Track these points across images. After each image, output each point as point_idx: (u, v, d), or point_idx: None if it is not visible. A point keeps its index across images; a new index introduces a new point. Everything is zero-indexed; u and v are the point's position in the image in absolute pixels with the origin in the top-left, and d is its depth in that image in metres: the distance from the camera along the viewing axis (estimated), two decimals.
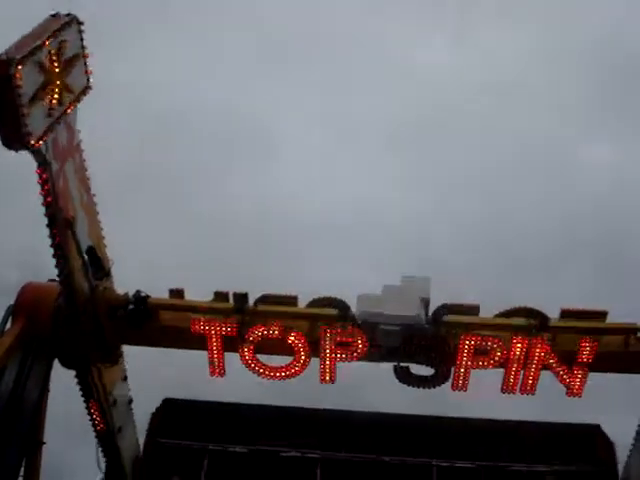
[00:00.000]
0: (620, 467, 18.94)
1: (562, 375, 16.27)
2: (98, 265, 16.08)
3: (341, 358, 16.37)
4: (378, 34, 46.14)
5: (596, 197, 41.48)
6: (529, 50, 46.54)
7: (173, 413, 20.04)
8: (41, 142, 12.82)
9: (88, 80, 14.27)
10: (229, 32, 45.74)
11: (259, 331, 16.25)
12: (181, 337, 16.89)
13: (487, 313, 16.47)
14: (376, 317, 15.74)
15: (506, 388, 16.62)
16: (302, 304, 16.54)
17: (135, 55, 43.63)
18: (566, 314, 16.18)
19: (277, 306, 16.45)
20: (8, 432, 15.81)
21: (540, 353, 16.21)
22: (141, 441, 19.83)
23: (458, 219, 42.65)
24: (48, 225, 14.34)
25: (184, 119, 44.69)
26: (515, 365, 16.28)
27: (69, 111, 13.81)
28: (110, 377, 17.66)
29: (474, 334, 16.04)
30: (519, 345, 16.09)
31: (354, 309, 16.18)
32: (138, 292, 16.63)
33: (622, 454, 18.85)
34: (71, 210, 14.73)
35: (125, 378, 18.64)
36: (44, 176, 13.63)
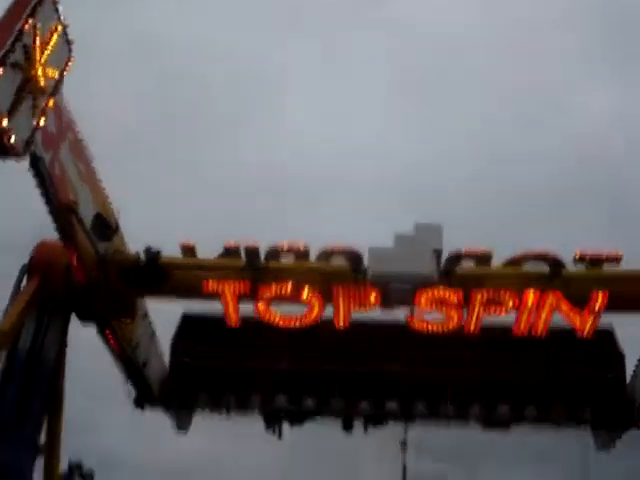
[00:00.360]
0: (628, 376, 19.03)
1: (572, 319, 16.48)
2: (106, 225, 16.00)
3: (355, 310, 16.63)
4: None
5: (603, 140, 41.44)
6: None
7: (192, 329, 19.98)
8: (28, 149, 12.59)
9: (70, 50, 13.68)
10: None
11: (272, 289, 16.36)
12: (195, 294, 17.00)
13: (500, 259, 16.34)
14: (388, 276, 15.58)
15: (517, 331, 16.88)
16: (313, 255, 16.36)
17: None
18: (580, 259, 16.06)
19: (289, 262, 16.34)
20: (29, 389, 16.03)
21: (552, 302, 16.28)
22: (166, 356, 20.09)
23: (468, 166, 42.49)
24: (50, 214, 14.38)
25: (190, 70, 44.58)
26: (527, 313, 16.50)
27: (51, 103, 13.25)
28: (129, 327, 17.76)
29: (486, 289, 16.15)
30: (532, 296, 16.21)
31: (366, 260, 15.99)
32: (149, 250, 16.39)
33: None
34: (71, 193, 14.58)
35: (146, 315, 18.78)
36: (38, 171, 13.49)
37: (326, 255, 16.26)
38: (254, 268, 16.16)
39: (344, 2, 48.14)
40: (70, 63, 13.69)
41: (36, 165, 13.31)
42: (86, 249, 15.47)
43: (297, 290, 16.37)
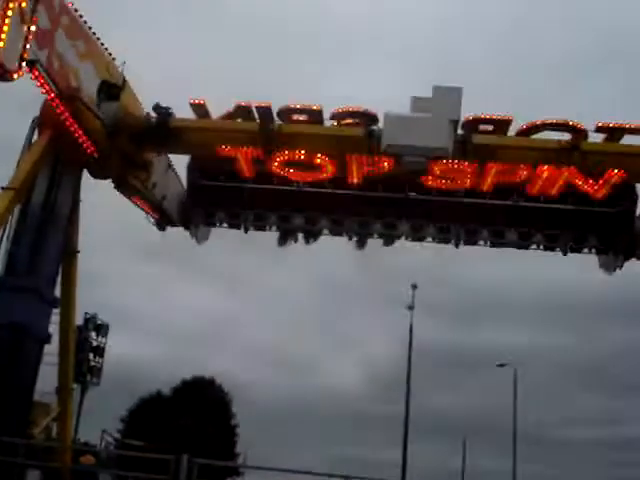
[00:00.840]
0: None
1: (586, 189, 16.59)
2: (112, 86, 15.73)
3: (368, 173, 16.79)
4: None
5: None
6: None
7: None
8: (22, 66, 12.41)
9: None
10: None
11: (285, 155, 16.38)
12: (209, 154, 17.05)
13: (519, 125, 16.04)
14: (402, 147, 15.22)
15: (531, 192, 17.27)
16: (327, 114, 16.08)
17: None
18: (601, 129, 15.74)
19: (302, 126, 16.04)
20: (43, 244, 16.16)
21: (566, 176, 16.17)
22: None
23: (487, 26, 41.27)
24: (56, 101, 14.32)
25: None
26: (540, 181, 16.64)
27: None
28: (143, 174, 17.64)
29: (501, 162, 16.15)
30: (546, 171, 16.23)
31: (381, 125, 15.61)
32: (159, 108, 16.13)
33: None
34: (72, 78, 14.37)
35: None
36: (37, 72, 13.32)
37: (340, 117, 15.97)
38: (267, 132, 15.87)
39: None
40: None
41: (33, 68, 13.16)
42: (95, 127, 15.37)
43: (310, 156, 16.34)
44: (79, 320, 19.66)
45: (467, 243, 19.05)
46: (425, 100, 14.92)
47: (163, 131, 16.02)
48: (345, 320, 50.74)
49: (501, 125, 15.79)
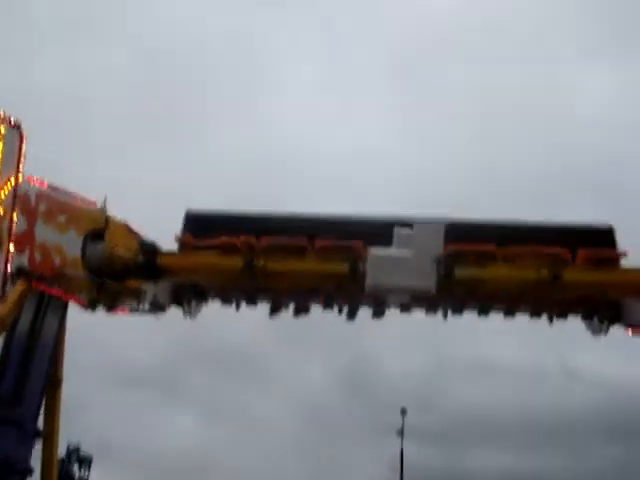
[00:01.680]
0: None
1: None
2: (97, 231, 16.43)
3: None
4: None
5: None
6: None
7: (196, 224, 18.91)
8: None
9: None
10: None
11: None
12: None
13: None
14: (386, 289, 15.63)
15: None
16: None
17: None
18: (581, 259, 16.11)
19: (286, 263, 16.29)
20: (27, 373, 16.09)
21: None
22: None
23: (459, 164, 42.88)
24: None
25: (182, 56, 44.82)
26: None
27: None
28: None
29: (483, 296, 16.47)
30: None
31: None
32: (144, 245, 16.57)
33: None
34: (57, 258, 15.68)
35: None
36: None
37: (325, 251, 16.23)
38: (251, 269, 16.14)
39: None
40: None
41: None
42: (81, 285, 16.12)
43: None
44: (61, 451, 19.26)
45: (455, 313, 18.39)
46: (408, 235, 15.26)
47: (149, 269, 16.30)
48: (331, 447, 49.75)
49: (484, 256, 16.12)
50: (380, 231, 16.91)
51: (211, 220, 18.23)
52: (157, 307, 17.94)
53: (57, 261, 15.40)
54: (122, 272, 16.36)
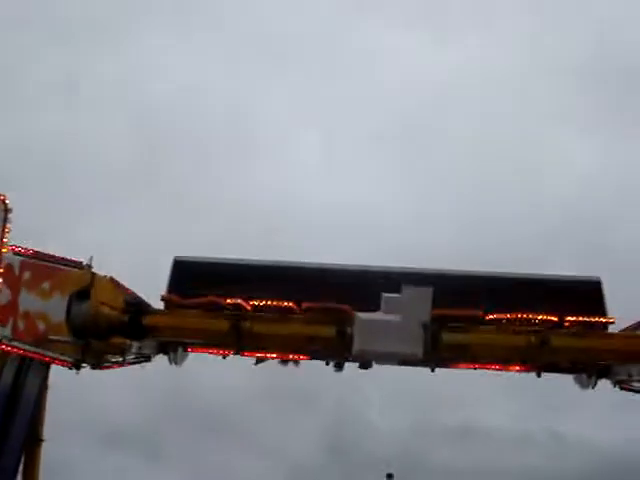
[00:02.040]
0: None
1: None
2: (81, 291, 16.36)
3: None
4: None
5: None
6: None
7: (183, 273, 18.83)
8: None
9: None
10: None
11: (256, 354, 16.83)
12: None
13: None
14: (373, 355, 15.84)
15: None
16: None
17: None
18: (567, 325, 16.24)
19: (272, 326, 16.35)
20: (7, 428, 15.94)
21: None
22: None
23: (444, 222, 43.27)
24: None
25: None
26: None
27: None
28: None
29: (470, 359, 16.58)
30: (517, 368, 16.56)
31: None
32: (129, 305, 16.59)
33: None
34: (41, 324, 15.61)
35: None
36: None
37: (313, 312, 16.27)
38: (237, 332, 16.19)
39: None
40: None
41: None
42: (65, 349, 16.03)
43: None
44: None
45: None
46: (396, 300, 15.30)
47: (135, 328, 16.30)
48: None
49: (470, 319, 16.22)
50: (369, 282, 17.13)
51: (199, 267, 18.31)
52: (143, 358, 17.98)
53: (41, 327, 15.40)
54: (107, 331, 16.28)
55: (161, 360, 17.85)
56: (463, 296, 17.66)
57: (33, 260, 15.69)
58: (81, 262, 16.40)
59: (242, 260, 18.45)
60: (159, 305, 17.36)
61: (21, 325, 14.95)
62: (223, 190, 42.21)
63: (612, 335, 16.59)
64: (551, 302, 17.71)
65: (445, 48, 47.02)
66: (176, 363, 19.49)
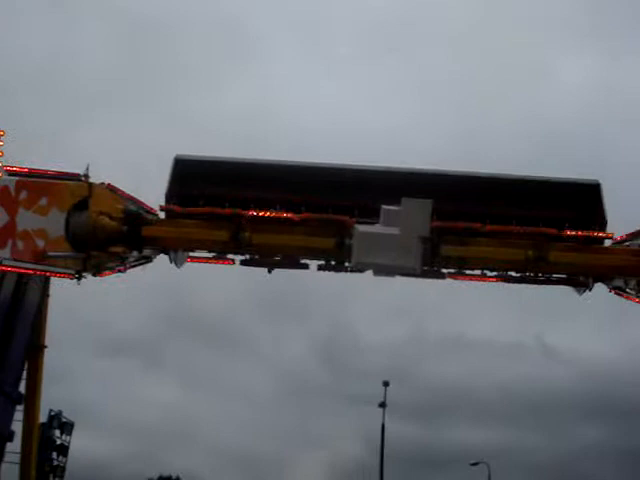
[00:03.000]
0: None
1: None
2: (79, 202, 15.90)
3: None
4: None
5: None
6: None
7: (185, 171, 18.22)
8: None
9: None
10: None
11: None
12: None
13: None
14: (371, 266, 15.59)
15: None
16: None
17: None
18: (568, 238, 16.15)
19: (272, 236, 16.15)
20: (9, 339, 16.11)
21: None
22: None
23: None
24: None
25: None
26: None
27: None
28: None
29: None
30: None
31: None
32: (128, 214, 16.14)
33: None
34: (40, 241, 15.20)
35: None
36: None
37: (311, 223, 16.11)
38: (237, 241, 15.98)
39: None
40: None
41: None
42: (66, 263, 15.76)
43: None
44: (43, 418, 19.33)
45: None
46: (395, 212, 14.99)
47: (134, 239, 16.09)
48: (311, 419, 50.31)
49: (468, 232, 16.05)
50: (370, 181, 16.95)
51: (200, 166, 17.68)
52: (144, 259, 17.64)
53: (40, 244, 15.00)
54: (107, 242, 15.98)
55: (160, 268, 17.53)
56: (462, 196, 17.54)
57: (29, 178, 15.35)
58: (78, 174, 15.91)
59: (243, 159, 17.85)
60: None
61: (20, 245, 14.66)
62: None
63: (609, 249, 16.55)
64: (548, 204, 17.60)
65: None
66: (176, 264, 19.61)
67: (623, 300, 17.29)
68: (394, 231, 14.93)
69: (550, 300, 17.48)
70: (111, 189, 16.36)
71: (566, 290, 17.28)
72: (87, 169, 16.10)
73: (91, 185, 15.97)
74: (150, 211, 16.64)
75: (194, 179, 17.61)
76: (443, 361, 48.04)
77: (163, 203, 16.76)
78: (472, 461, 38.83)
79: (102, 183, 16.31)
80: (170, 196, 17.26)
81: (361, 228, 15.29)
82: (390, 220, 15.06)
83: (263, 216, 16.04)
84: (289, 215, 16.08)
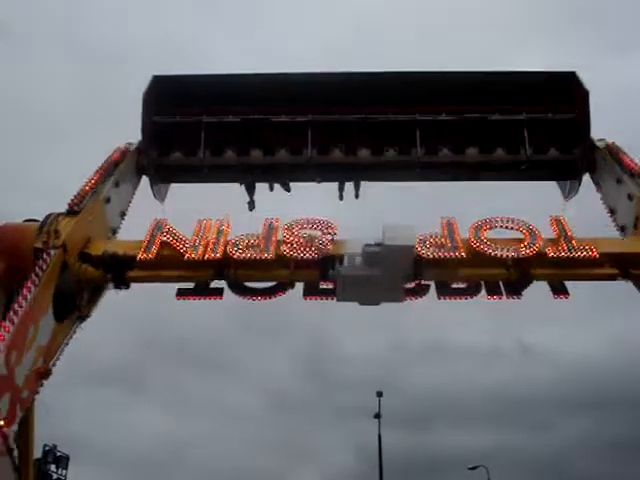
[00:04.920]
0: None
1: None
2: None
3: None
4: None
5: None
6: None
7: (164, 90, 19.52)
8: None
9: None
10: None
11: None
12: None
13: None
14: (355, 300, 16.20)
15: None
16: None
17: None
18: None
19: (257, 272, 16.38)
20: None
21: None
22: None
23: None
24: None
25: None
26: None
27: None
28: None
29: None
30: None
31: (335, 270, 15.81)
32: (111, 265, 16.24)
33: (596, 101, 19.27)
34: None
35: None
36: None
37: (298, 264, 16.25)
38: (222, 276, 16.29)
39: None
40: None
41: None
42: None
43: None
44: (37, 453, 19.52)
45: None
46: (377, 254, 15.19)
47: (119, 281, 16.44)
48: (302, 434, 50.65)
49: (451, 262, 16.16)
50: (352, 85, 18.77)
51: (181, 84, 18.94)
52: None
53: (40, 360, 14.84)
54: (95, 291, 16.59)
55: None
56: (433, 95, 19.02)
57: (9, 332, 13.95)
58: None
59: (221, 75, 19.16)
60: None
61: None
62: None
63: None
64: (521, 98, 18.87)
65: None
66: (158, 197, 20.15)
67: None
68: (377, 272, 15.24)
69: (527, 302, 17.75)
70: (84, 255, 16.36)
71: (543, 291, 17.04)
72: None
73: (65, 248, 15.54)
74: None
75: (173, 99, 18.78)
76: (427, 368, 48.45)
77: None
78: (470, 465, 39.39)
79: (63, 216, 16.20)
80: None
81: (343, 271, 15.52)
82: (372, 261, 15.32)
83: (246, 257, 16.12)
84: (270, 256, 16.09)
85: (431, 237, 16.41)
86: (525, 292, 16.78)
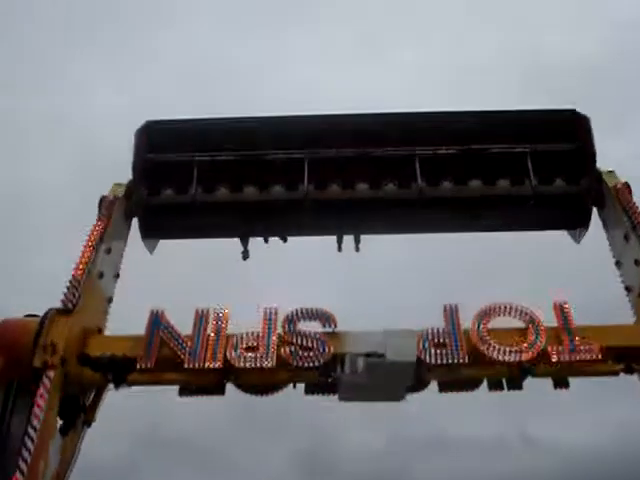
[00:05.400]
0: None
1: None
2: None
3: None
4: None
5: None
6: None
7: (157, 131, 19.28)
8: None
9: None
10: None
11: None
12: None
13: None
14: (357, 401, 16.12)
15: None
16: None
17: None
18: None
19: (259, 376, 16.04)
20: None
21: None
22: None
23: None
24: None
25: None
26: None
27: None
28: None
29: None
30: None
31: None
32: (110, 367, 15.92)
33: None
34: None
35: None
36: None
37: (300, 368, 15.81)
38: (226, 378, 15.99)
39: None
40: None
41: None
42: None
43: None
44: None
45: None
46: (378, 364, 15.04)
47: (119, 382, 16.05)
48: None
49: (451, 365, 15.77)
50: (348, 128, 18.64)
51: (173, 127, 19.03)
52: None
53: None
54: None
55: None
56: (433, 135, 18.77)
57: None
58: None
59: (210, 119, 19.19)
60: None
61: None
62: None
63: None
64: (523, 134, 18.60)
65: None
66: (150, 251, 19.92)
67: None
68: (379, 381, 15.13)
69: (530, 391, 17.40)
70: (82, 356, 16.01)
71: (544, 382, 16.68)
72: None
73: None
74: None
75: (167, 143, 18.68)
76: (428, 464, 47.21)
77: None
78: None
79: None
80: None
81: (345, 377, 15.34)
82: (374, 370, 15.11)
83: (248, 367, 15.68)
84: (271, 364, 15.66)
85: (432, 334, 15.95)
86: (526, 383, 16.41)
